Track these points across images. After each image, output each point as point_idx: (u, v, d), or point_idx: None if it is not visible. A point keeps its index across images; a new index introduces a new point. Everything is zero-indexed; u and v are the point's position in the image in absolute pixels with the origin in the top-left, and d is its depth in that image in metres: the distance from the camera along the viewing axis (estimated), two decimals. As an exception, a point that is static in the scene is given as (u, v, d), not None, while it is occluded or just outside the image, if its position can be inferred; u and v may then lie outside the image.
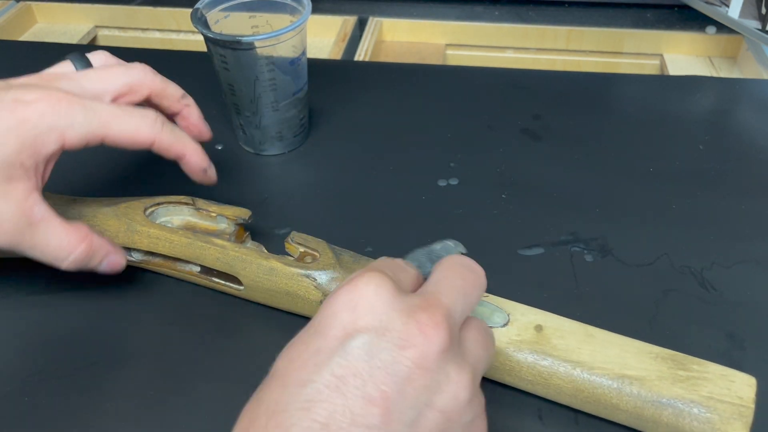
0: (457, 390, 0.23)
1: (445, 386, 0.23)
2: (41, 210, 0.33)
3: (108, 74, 0.36)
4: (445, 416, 0.23)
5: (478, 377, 0.25)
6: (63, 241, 0.34)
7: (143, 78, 0.37)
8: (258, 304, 0.39)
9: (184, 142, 0.37)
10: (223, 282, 0.39)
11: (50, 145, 0.33)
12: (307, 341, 0.24)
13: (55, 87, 0.34)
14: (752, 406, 0.30)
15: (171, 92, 0.39)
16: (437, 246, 0.32)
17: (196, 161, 0.38)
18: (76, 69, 0.37)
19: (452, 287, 0.26)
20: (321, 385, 0.22)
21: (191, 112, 0.40)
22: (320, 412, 0.22)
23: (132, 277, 0.41)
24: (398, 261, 0.29)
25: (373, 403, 0.22)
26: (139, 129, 0.35)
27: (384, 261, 0.28)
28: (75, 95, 0.34)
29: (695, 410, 0.30)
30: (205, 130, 0.41)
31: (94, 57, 0.39)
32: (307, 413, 0.22)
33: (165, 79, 0.39)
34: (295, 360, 0.24)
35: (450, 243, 0.32)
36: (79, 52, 0.38)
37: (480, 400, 0.25)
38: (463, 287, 0.27)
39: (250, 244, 0.40)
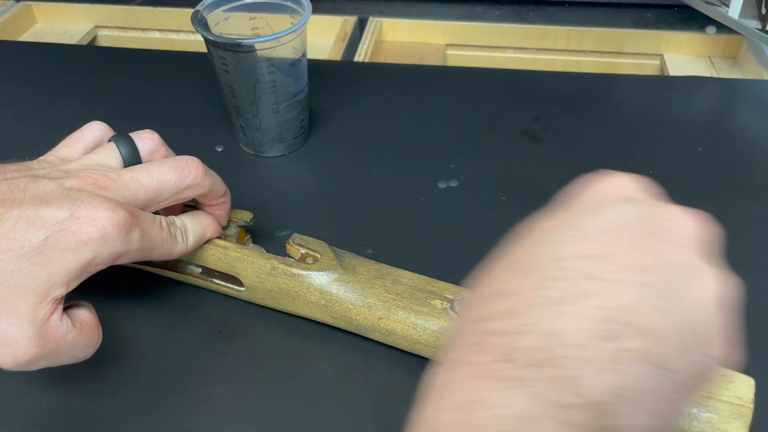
0: (708, 278, 0.22)
1: (705, 272, 0.22)
2: (65, 325, 0.31)
3: (161, 183, 0.34)
4: (693, 293, 0.22)
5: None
6: (79, 347, 0.32)
7: (194, 184, 0.35)
8: (259, 305, 0.39)
9: (204, 239, 0.38)
10: (223, 283, 0.39)
11: (101, 267, 0.31)
12: (566, 211, 0.24)
13: (111, 198, 0.32)
14: (751, 406, 0.30)
15: (214, 193, 0.37)
16: None
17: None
18: (121, 153, 0.35)
19: None
20: (591, 233, 0.22)
21: (224, 207, 0.39)
22: (595, 248, 0.21)
23: (132, 279, 0.41)
24: None
25: (646, 253, 0.22)
26: (173, 251, 0.35)
27: None
28: (134, 216, 0.32)
29: (694, 410, 0.30)
30: (225, 222, 0.40)
31: (140, 140, 0.36)
32: (578, 246, 0.22)
33: (213, 177, 0.37)
34: (562, 217, 0.24)
35: None
36: (123, 135, 0.36)
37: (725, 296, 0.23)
38: None
39: (251, 246, 0.40)
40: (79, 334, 0.31)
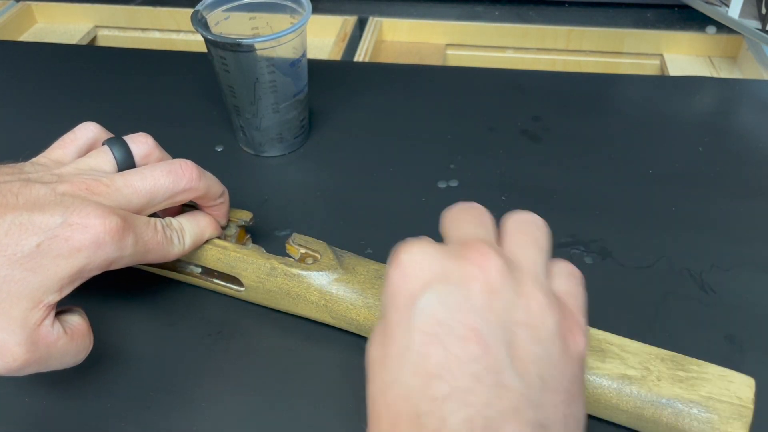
0: (528, 301, 0.24)
1: (516, 301, 0.24)
2: (56, 331, 0.30)
3: (155, 188, 0.34)
4: (530, 327, 0.24)
5: (543, 285, 0.26)
6: (70, 353, 0.32)
7: (188, 188, 0.35)
8: (259, 305, 0.39)
9: (202, 240, 0.38)
10: (223, 283, 0.39)
11: (94, 272, 0.31)
12: (384, 327, 0.25)
13: (104, 204, 0.31)
14: (751, 406, 0.30)
15: (210, 194, 0.37)
16: None
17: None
18: (115, 157, 0.35)
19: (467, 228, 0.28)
20: (417, 346, 0.23)
21: (222, 207, 0.39)
22: (430, 363, 0.23)
23: (132, 279, 0.41)
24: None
25: (468, 339, 0.23)
26: (169, 254, 0.35)
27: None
28: (127, 221, 0.32)
29: (695, 410, 0.30)
30: (224, 222, 0.40)
31: (134, 144, 0.36)
32: (417, 369, 0.23)
33: (209, 179, 0.36)
34: (387, 340, 0.25)
35: None
36: (117, 139, 0.36)
37: (555, 307, 0.25)
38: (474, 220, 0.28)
39: (251, 246, 0.40)
40: (70, 340, 0.31)
